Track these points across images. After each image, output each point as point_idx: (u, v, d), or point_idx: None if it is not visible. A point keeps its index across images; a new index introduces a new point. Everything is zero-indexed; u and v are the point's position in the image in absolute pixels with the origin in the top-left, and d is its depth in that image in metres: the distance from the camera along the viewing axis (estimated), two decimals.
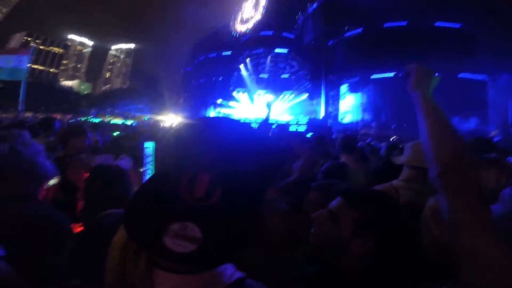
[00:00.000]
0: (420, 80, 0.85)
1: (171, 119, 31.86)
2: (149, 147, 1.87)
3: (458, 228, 0.65)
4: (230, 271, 0.49)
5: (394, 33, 18.63)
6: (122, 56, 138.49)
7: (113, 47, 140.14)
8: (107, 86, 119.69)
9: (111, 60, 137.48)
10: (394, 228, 0.80)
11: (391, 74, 18.07)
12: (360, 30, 20.63)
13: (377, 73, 18.72)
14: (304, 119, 18.72)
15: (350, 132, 15.33)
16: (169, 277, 0.44)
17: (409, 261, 0.84)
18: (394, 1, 18.53)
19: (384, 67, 17.72)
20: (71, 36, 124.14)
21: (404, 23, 18.88)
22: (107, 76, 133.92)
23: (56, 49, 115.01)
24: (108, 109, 41.38)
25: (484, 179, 1.32)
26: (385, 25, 19.44)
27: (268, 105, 3.08)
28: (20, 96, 18.85)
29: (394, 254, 0.78)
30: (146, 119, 37.09)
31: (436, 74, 0.87)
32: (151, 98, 42.66)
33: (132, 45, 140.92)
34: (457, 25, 17.35)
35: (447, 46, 16.41)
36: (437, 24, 18.04)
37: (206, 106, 32.79)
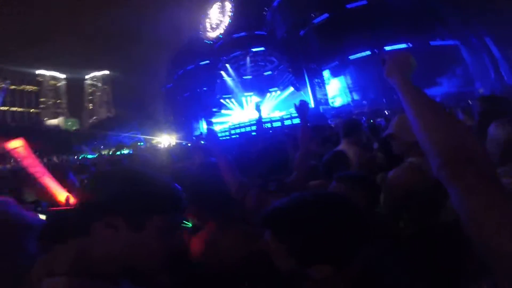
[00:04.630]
0: (396, 65, 0.82)
1: (166, 140, 32.03)
2: None
3: (478, 226, 0.52)
4: None
5: (359, 12, 19.00)
6: (99, 84, 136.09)
7: (87, 76, 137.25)
8: (94, 118, 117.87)
9: (90, 90, 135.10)
10: (346, 245, 0.63)
11: (368, 52, 18.49)
12: (326, 15, 20.96)
13: (354, 53, 19.10)
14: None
15: (345, 115, 15.81)
16: None
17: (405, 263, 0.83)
18: None
19: (358, 47, 18.10)
20: (39, 72, 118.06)
21: (365, 2, 19.25)
22: (90, 108, 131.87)
23: (29, 87, 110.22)
24: (101, 142, 41.34)
25: None
26: (347, 6, 19.80)
27: (258, 107, 2.94)
28: None
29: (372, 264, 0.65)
30: (141, 144, 37.11)
31: (409, 52, 0.84)
32: (140, 122, 42.41)
33: (106, 72, 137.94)
34: None
35: (413, 17, 16.83)
36: None
37: (196, 119, 32.92)
